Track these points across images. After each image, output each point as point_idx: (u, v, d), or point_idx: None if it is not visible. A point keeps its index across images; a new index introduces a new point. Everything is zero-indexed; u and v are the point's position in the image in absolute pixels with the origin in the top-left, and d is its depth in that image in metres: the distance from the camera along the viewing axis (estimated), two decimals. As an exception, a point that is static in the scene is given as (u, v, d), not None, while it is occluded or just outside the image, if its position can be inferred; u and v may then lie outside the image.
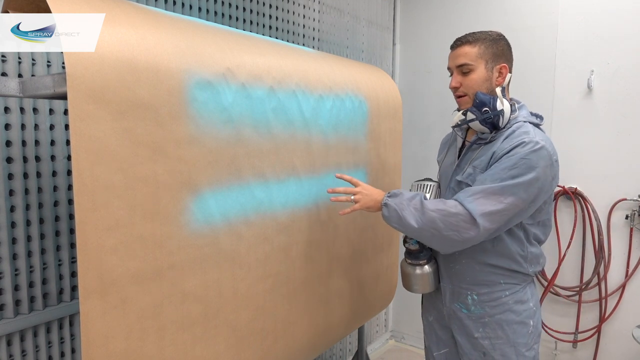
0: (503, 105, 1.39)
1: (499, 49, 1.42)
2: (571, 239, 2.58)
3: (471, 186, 1.37)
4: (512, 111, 1.43)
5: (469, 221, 1.27)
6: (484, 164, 1.39)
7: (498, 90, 1.42)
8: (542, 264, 1.50)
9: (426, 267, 1.51)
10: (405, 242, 1.51)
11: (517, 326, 1.44)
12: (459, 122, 1.47)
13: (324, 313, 1.72)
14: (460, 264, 1.48)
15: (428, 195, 1.46)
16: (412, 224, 1.32)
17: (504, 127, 1.41)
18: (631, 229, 2.43)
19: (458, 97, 1.47)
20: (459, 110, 1.48)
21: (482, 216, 1.26)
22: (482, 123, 1.40)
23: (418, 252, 1.50)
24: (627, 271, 2.46)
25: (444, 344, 1.61)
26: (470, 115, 1.42)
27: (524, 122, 1.41)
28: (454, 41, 1.46)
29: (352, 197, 1.42)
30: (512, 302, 1.44)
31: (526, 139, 1.31)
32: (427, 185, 1.51)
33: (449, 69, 1.48)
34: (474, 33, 1.43)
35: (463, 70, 1.42)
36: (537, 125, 1.44)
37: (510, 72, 1.44)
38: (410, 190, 1.51)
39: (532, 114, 1.48)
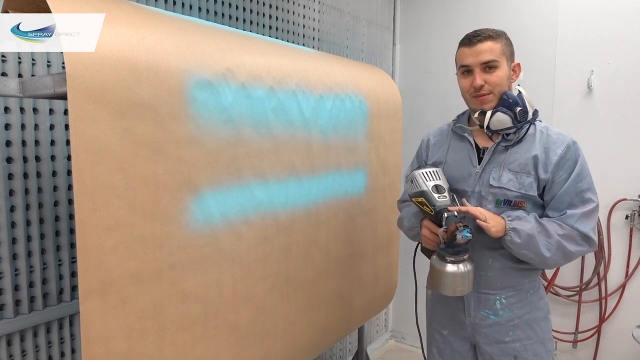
0: (530, 104, 1.39)
1: (512, 46, 1.40)
2: (571, 239, 2.58)
3: (512, 191, 1.35)
4: None
5: (585, 239, 1.34)
6: (527, 168, 1.35)
7: (521, 88, 1.38)
8: None
9: (468, 263, 1.33)
10: (455, 236, 1.26)
11: (543, 322, 1.45)
12: (501, 128, 1.37)
13: (324, 313, 1.72)
14: (493, 270, 1.42)
15: (442, 183, 1.36)
16: (545, 254, 1.31)
17: (527, 127, 1.39)
18: (631, 229, 2.43)
19: (481, 96, 1.36)
20: (483, 112, 1.38)
21: (592, 232, 1.35)
22: (514, 123, 1.35)
23: (462, 245, 1.31)
24: (627, 271, 2.46)
25: (460, 355, 1.54)
26: (503, 117, 1.34)
27: (538, 120, 1.42)
28: (469, 37, 1.36)
29: (485, 218, 1.30)
30: (536, 299, 1.45)
31: (568, 140, 1.36)
32: (435, 171, 1.38)
33: (465, 66, 1.37)
34: (488, 29, 1.36)
35: (489, 66, 1.34)
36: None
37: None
38: (412, 181, 1.37)
39: None
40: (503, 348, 1.44)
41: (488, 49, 1.33)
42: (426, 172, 1.37)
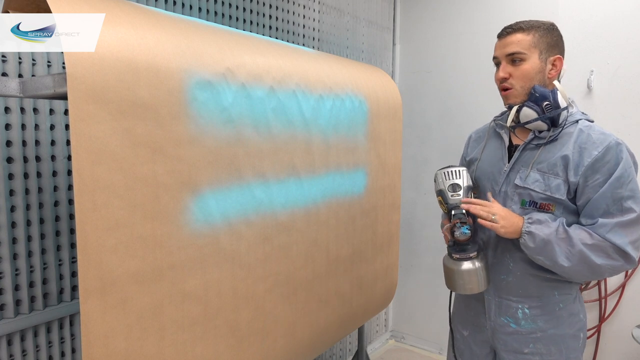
0: (566, 100, 1.29)
1: (553, 38, 1.31)
2: (571, 238, 2.57)
3: (537, 192, 1.29)
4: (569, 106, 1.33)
5: (620, 253, 1.21)
6: (556, 169, 1.27)
7: (557, 83, 1.31)
8: None
9: (477, 260, 1.31)
10: (453, 232, 1.29)
11: (571, 340, 1.35)
12: (519, 122, 1.33)
13: (324, 313, 1.72)
14: (514, 276, 1.36)
15: (460, 182, 1.34)
16: (562, 263, 1.22)
17: (561, 124, 1.30)
18: (631, 229, 2.43)
19: (504, 91, 1.34)
20: (509, 107, 1.35)
21: (630, 245, 1.20)
22: (542, 120, 1.28)
23: (466, 243, 1.30)
24: (626, 271, 2.47)
25: (478, 358, 1.50)
26: (528, 112, 1.29)
27: (583, 119, 1.32)
28: (503, 29, 1.34)
29: (493, 217, 1.25)
30: (566, 315, 1.34)
31: (610, 140, 1.23)
32: (457, 171, 1.37)
33: (495, 58, 1.36)
34: (526, 20, 1.32)
35: (514, 59, 1.30)
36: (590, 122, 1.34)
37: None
38: (435, 180, 1.39)
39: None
40: (521, 359, 1.37)
41: (515, 41, 1.30)
42: (447, 172, 1.37)
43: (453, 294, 1.50)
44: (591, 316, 2.59)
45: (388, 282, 2.20)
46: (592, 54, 2.48)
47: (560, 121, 1.30)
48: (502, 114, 1.51)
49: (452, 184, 1.34)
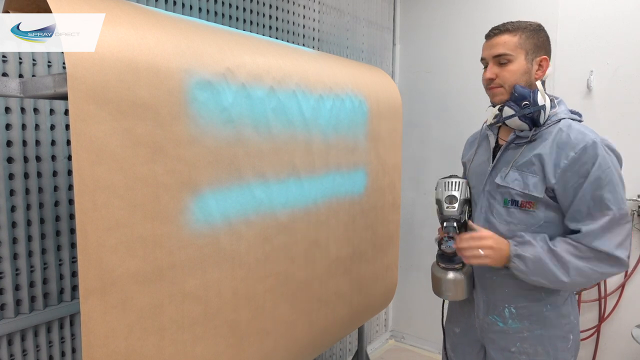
0: (545, 99, 1.29)
1: (540, 40, 1.33)
2: (571, 238, 2.58)
3: (516, 190, 1.30)
4: (552, 107, 1.34)
5: (610, 260, 1.21)
6: (533, 167, 1.28)
7: (538, 83, 1.32)
8: None
9: (461, 271, 1.39)
10: (440, 244, 1.38)
11: (559, 342, 1.34)
12: (496, 120, 1.36)
13: (324, 313, 1.72)
14: (499, 275, 1.37)
15: (457, 194, 1.36)
16: (562, 278, 1.21)
17: (543, 124, 1.31)
18: (631, 229, 2.43)
19: (492, 88, 1.35)
20: (493, 105, 1.38)
21: (619, 249, 1.20)
22: (522, 119, 1.30)
23: (453, 255, 1.38)
24: (626, 271, 2.47)
25: (470, 356, 1.52)
26: (508, 111, 1.31)
27: (567, 118, 1.32)
28: (490, 30, 1.35)
29: (482, 252, 1.27)
30: (554, 316, 1.34)
31: (588, 140, 1.22)
32: (456, 182, 1.40)
33: (483, 59, 1.38)
34: (512, 22, 1.34)
35: (500, 60, 1.31)
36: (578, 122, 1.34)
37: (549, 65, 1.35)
38: (436, 188, 1.42)
39: (570, 111, 1.38)
40: (509, 357, 1.39)
41: (501, 43, 1.31)
42: (447, 182, 1.41)
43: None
44: (591, 316, 2.59)
45: (388, 282, 2.20)
46: (592, 54, 2.49)
47: (541, 121, 1.31)
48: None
49: (449, 196, 1.38)
